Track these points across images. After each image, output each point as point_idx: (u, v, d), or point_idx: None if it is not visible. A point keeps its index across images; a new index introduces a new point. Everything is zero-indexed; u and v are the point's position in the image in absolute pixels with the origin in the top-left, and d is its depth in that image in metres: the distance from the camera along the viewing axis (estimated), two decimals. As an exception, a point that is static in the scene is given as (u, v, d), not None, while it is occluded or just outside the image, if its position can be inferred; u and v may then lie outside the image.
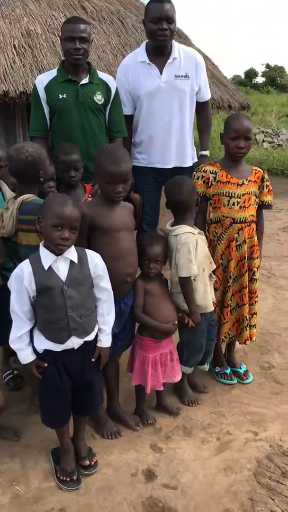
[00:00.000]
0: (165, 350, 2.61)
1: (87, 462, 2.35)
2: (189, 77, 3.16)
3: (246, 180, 2.77)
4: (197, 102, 3.30)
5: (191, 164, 3.33)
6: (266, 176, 2.85)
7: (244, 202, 2.76)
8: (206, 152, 3.44)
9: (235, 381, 3.05)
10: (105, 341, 2.23)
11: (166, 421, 2.74)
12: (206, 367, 2.92)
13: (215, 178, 2.77)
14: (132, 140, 3.34)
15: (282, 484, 2.30)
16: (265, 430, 2.66)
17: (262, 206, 2.86)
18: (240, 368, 3.12)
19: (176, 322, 2.54)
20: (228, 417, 2.77)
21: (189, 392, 2.88)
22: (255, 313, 2.96)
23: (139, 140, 3.28)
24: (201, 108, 3.36)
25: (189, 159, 3.33)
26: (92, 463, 2.36)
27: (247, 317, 2.89)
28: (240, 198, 2.75)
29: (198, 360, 2.83)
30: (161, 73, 3.12)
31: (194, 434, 2.64)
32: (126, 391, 2.80)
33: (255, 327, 2.99)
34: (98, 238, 2.33)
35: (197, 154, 3.47)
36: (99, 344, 2.23)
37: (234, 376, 3.08)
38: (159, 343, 2.57)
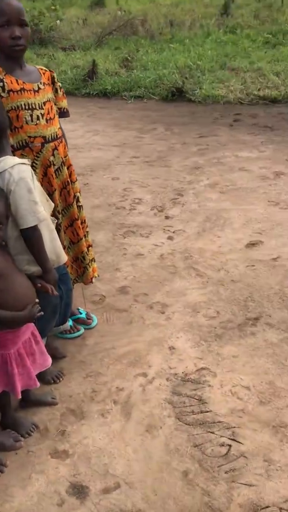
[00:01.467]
0: (26, 335, 1.92)
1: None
2: None
3: (41, 83, 2.09)
4: None
5: None
6: (55, 75, 2.21)
7: (48, 113, 2.10)
8: None
9: (83, 330, 2.60)
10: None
11: (44, 415, 2.13)
12: (68, 324, 2.38)
13: (3, 87, 1.98)
14: None
15: (206, 411, 2.11)
16: (149, 366, 2.37)
17: (59, 114, 2.25)
18: (80, 314, 2.66)
19: (37, 300, 1.85)
20: (106, 373, 2.35)
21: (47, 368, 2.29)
22: (90, 246, 2.48)
23: None
24: None
25: None
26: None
27: (86, 252, 2.39)
28: (42, 108, 2.08)
29: (53, 325, 2.24)
30: None
31: (87, 411, 2.14)
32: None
33: (95, 261, 2.53)
34: None
35: None
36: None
37: (78, 325, 2.61)
38: (18, 332, 1.86)
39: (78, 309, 2.68)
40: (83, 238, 2.36)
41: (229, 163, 5.07)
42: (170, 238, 3.57)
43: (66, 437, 2.01)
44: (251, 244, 3.41)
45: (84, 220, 2.40)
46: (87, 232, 2.44)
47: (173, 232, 3.66)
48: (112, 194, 4.40)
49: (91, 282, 2.52)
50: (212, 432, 2.00)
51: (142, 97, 8.31)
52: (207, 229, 3.66)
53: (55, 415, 2.12)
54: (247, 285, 2.95)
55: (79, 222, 2.32)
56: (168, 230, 3.69)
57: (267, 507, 1.70)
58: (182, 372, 2.31)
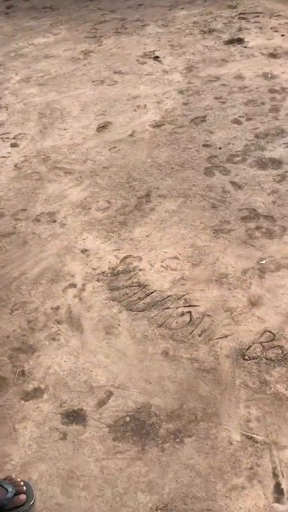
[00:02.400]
0: None
1: None
2: None
3: None
4: None
5: None
6: None
7: None
8: None
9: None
10: None
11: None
12: None
13: None
14: None
15: (151, 293, 2.09)
16: (72, 275, 2.22)
17: None
18: None
19: None
20: (31, 299, 2.13)
21: None
22: None
23: None
24: None
25: None
26: None
27: None
28: None
29: None
30: None
31: (35, 342, 1.94)
32: None
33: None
34: None
35: None
36: None
37: None
38: None
39: None
40: None
41: (30, 53, 4.59)
42: (14, 145, 3.19)
43: (29, 376, 1.82)
44: (102, 127, 3.26)
45: None
46: None
47: (14, 138, 3.27)
48: None
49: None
50: (168, 308, 2.00)
51: None
52: (48, 125, 3.36)
53: (3, 361, 1.88)
54: (121, 167, 2.85)
55: None
56: (7, 138, 3.28)
57: (250, 346, 1.81)
58: (109, 268, 2.22)
